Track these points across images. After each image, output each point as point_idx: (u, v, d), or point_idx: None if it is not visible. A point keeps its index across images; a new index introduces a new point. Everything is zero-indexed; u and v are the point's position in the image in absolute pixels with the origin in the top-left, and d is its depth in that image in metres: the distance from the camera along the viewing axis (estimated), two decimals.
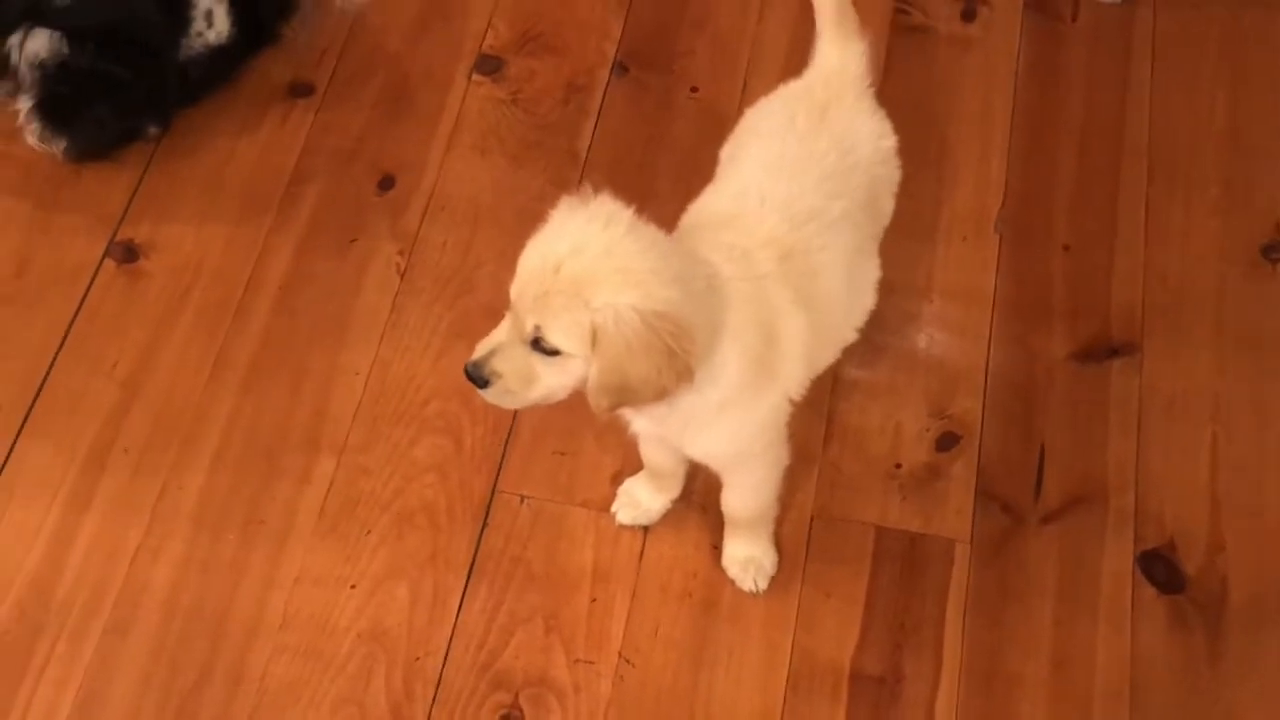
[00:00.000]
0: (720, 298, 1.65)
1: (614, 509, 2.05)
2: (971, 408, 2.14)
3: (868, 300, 1.92)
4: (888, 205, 1.94)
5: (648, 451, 1.99)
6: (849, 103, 1.85)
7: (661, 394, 1.61)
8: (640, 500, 2.04)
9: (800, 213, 1.76)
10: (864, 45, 1.89)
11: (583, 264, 1.56)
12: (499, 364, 1.64)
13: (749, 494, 1.93)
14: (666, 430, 1.79)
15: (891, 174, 1.92)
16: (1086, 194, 2.34)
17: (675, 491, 2.04)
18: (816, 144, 1.82)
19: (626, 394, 1.61)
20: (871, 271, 1.92)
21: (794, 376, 1.77)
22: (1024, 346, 2.19)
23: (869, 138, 1.87)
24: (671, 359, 1.57)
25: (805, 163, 1.80)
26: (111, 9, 2.32)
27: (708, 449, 1.83)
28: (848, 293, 1.83)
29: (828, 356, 1.89)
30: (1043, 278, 2.26)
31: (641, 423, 1.80)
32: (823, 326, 1.79)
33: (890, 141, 1.90)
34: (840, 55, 1.88)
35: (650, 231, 1.61)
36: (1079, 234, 2.30)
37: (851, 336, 1.91)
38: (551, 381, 1.64)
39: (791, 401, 1.79)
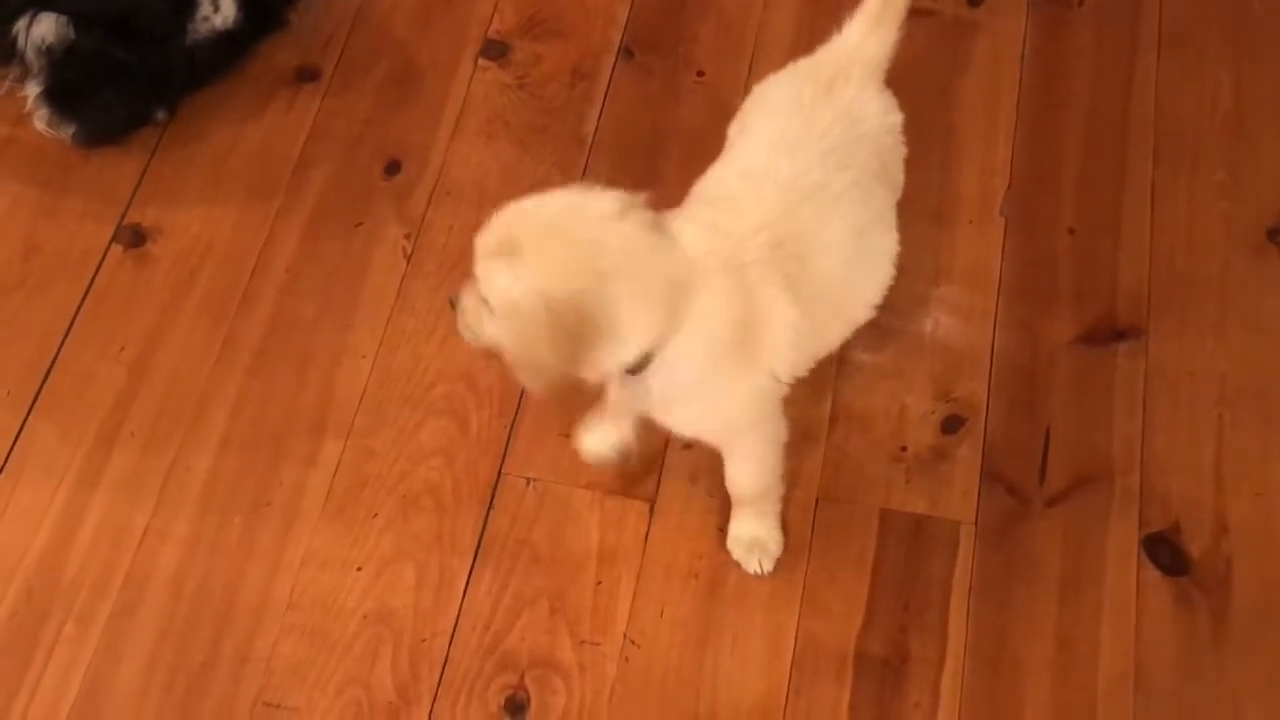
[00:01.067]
0: (680, 290, 1.64)
1: (581, 440, 2.04)
2: (977, 390, 2.14)
3: (881, 275, 1.88)
4: (899, 176, 1.94)
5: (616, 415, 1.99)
6: (855, 79, 1.85)
7: (567, 375, 1.63)
8: (599, 441, 2.03)
9: (801, 190, 1.76)
10: (895, 36, 1.89)
11: (525, 233, 1.60)
12: (465, 298, 1.68)
13: (750, 469, 1.93)
14: (647, 408, 1.79)
15: (898, 146, 1.92)
16: (1092, 177, 2.34)
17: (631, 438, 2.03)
18: (821, 118, 1.82)
19: (535, 369, 1.63)
20: (888, 245, 1.89)
21: (783, 360, 1.76)
22: (1029, 329, 2.19)
23: (875, 112, 1.87)
24: (575, 344, 1.58)
25: (809, 138, 1.80)
26: None
27: (691, 426, 1.84)
28: (850, 270, 1.82)
29: (832, 337, 1.88)
30: (1048, 261, 2.26)
31: (621, 399, 1.80)
32: (819, 310, 1.77)
33: (896, 117, 1.90)
34: (863, 37, 1.88)
35: (616, 219, 1.61)
36: (1085, 217, 2.30)
37: (863, 314, 1.89)
38: (490, 330, 1.66)
39: (789, 382, 1.80)
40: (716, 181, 1.82)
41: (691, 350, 1.66)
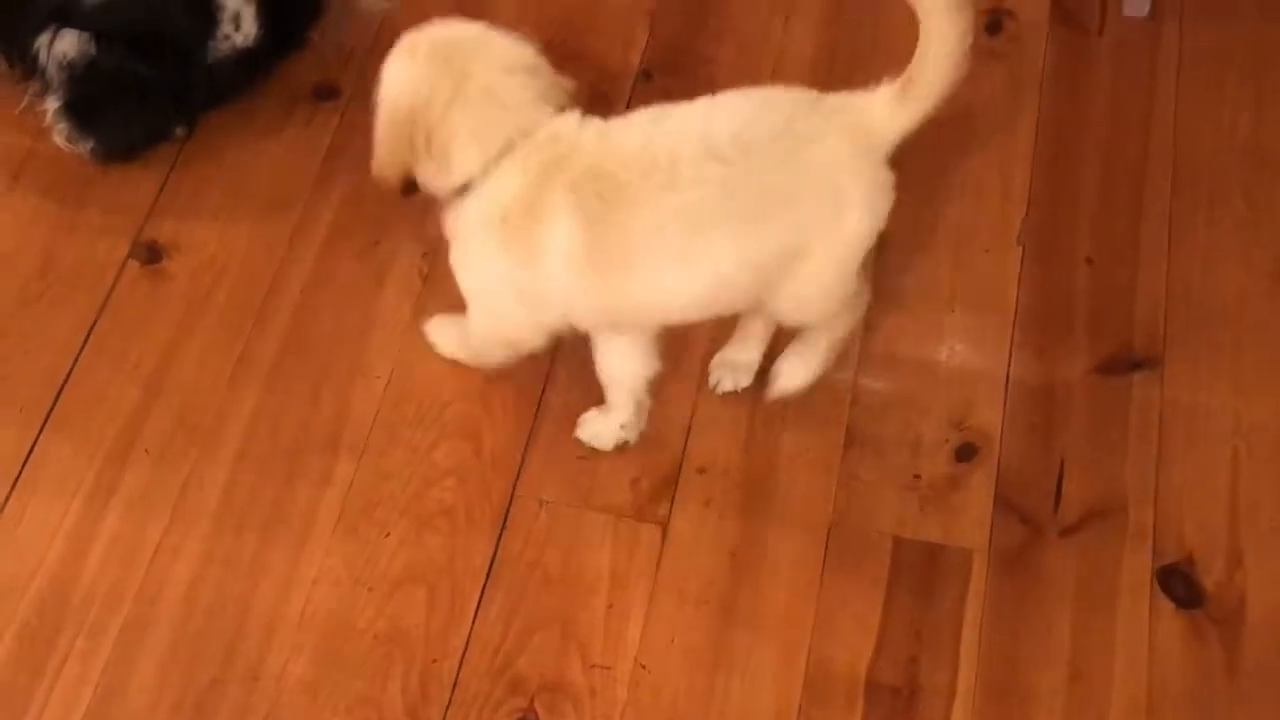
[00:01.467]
0: (502, 151, 1.81)
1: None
2: (991, 419, 2.13)
3: (695, 283, 1.84)
4: (821, 248, 1.84)
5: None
6: (845, 124, 1.81)
7: (395, 171, 1.86)
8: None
9: (665, 155, 1.78)
10: (914, 121, 1.83)
11: (429, 46, 1.82)
12: None
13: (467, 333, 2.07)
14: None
15: (831, 208, 1.83)
16: (1110, 207, 2.34)
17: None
18: (767, 121, 1.79)
19: (377, 150, 1.86)
20: (721, 267, 1.82)
21: (555, 272, 1.83)
22: (1045, 359, 2.19)
23: (832, 157, 1.81)
24: (406, 149, 1.82)
25: (738, 127, 1.78)
26: (140, 11, 2.33)
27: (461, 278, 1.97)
28: (663, 251, 1.81)
29: (622, 304, 1.89)
30: (1065, 290, 2.26)
31: None
32: (615, 265, 1.82)
33: (860, 191, 1.82)
34: (894, 108, 1.82)
35: (504, 69, 1.82)
36: (1102, 247, 2.30)
37: (664, 305, 1.89)
38: None
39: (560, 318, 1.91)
40: (649, 110, 1.87)
41: (476, 204, 1.84)
